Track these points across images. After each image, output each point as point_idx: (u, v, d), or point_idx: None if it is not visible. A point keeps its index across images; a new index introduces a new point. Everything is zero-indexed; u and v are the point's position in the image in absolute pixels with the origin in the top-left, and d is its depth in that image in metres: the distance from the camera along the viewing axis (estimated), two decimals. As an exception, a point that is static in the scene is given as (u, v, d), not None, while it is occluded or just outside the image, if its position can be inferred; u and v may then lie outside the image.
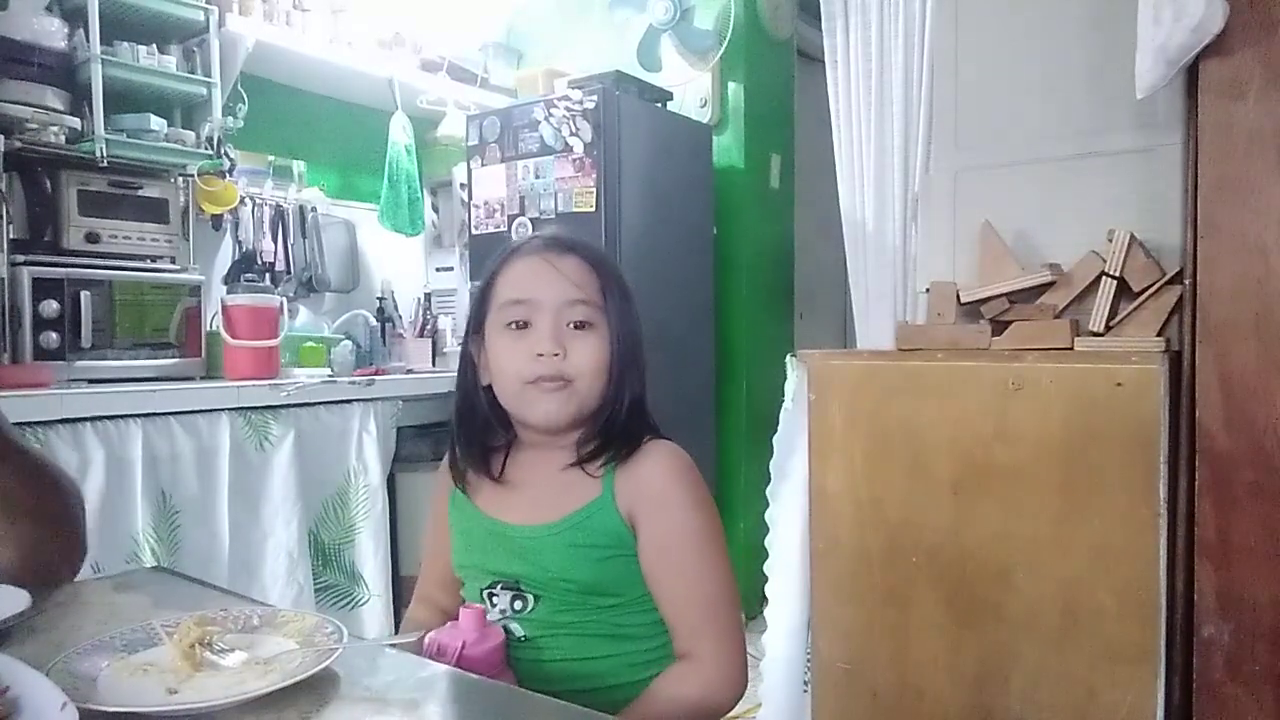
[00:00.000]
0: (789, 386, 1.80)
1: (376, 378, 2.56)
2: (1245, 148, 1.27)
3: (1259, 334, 1.25)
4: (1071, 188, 1.65)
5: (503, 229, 2.68)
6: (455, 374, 1.01)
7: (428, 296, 3.30)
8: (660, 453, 0.93)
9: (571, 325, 0.91)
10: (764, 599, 1.84)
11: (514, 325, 0.91)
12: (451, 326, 3.16)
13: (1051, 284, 1.59)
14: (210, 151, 2.47)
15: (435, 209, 3.38)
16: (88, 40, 2.21)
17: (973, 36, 1.78)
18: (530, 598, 0.91)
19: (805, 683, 1.77)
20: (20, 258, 2.11)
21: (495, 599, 0.93)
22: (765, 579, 1.85)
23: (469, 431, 0.98)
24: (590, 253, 0.95)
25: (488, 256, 3.06)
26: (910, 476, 1.56)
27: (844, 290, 2.26)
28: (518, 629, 0.91)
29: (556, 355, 0.89)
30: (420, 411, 2.71)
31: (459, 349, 1.01)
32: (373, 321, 2.99)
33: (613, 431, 0.93)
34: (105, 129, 2.21)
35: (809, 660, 1.74)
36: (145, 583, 1.03)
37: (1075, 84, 1.66)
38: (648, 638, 0.93)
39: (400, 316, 3.12)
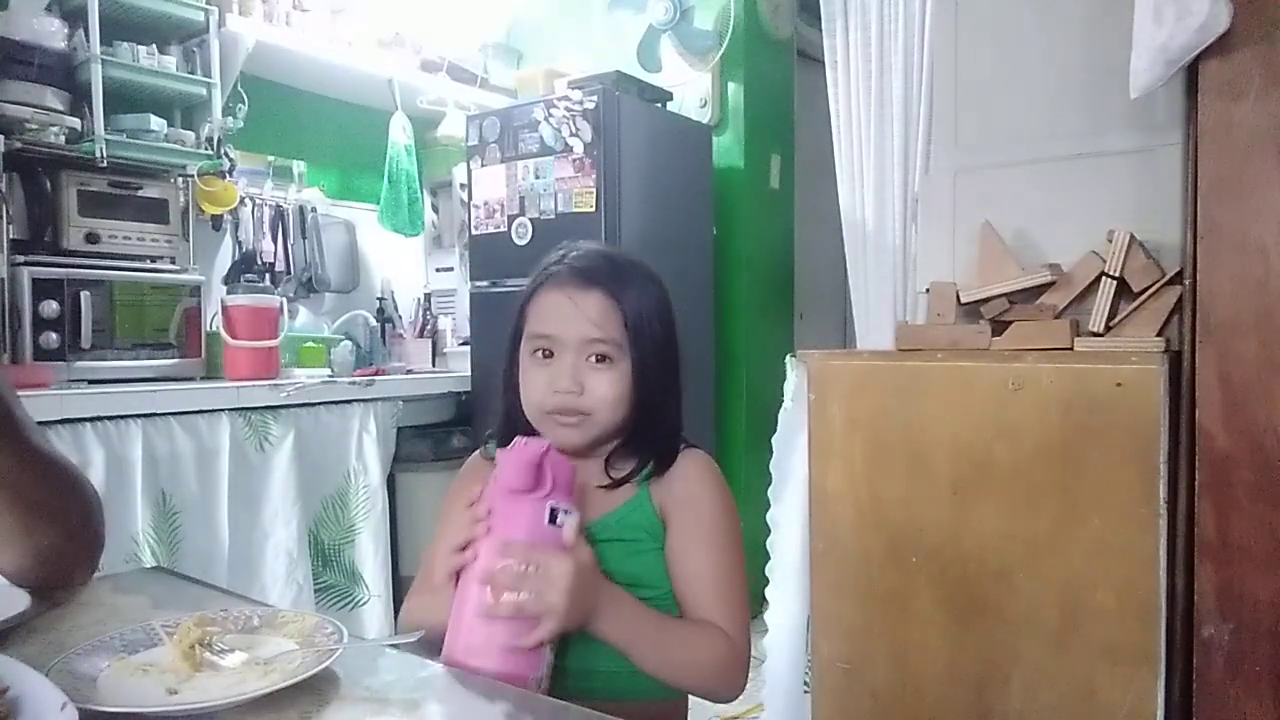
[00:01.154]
0: (788, 386, 1.80)
1: (376, 378, 2.56)
2: (1245, 148, 1.27)
3: (1259, 334, 1.25)
4: (1071, 188, 1.65)
5: (503, 229, 2.68)
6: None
7: (428, 297, 3.30)
8: (693, 460, 1.00)
9: (592, 359, 0.95)
10: (764, 601, 1.84)
11: (539, 354, 0.97)
12: (451, 327, 3.16)
13: (1051, 284, 1.59)
14: (210, 152, 2.47)
15: (435, 209, 3.39)
16: (88, 40, 2.21)
17: (973, 37, 1.78)
18: None
19: (806, 684, 1.77)
20: (20, 258, 2.11)
21: None
22: (766, 581, 1.85)
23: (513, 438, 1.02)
24: (615, 285, 0.97)
25: (488, 257, 3.02)
26: (910, 477, 1.56)
27: (844, 290, 2.26)
28: None
29: (573, 392, 0.94)
30: (420, 411, 2.71)
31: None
32: (373, 322, 2.99)
33: (644, 456, 0.97)
34: (105, 129, 2.21)
35: (809, 660, 1.74)
36: (145, 583, 1.03)
37: (1075, 84, 1.66)
38: None
39: (400, 317, 3.13)
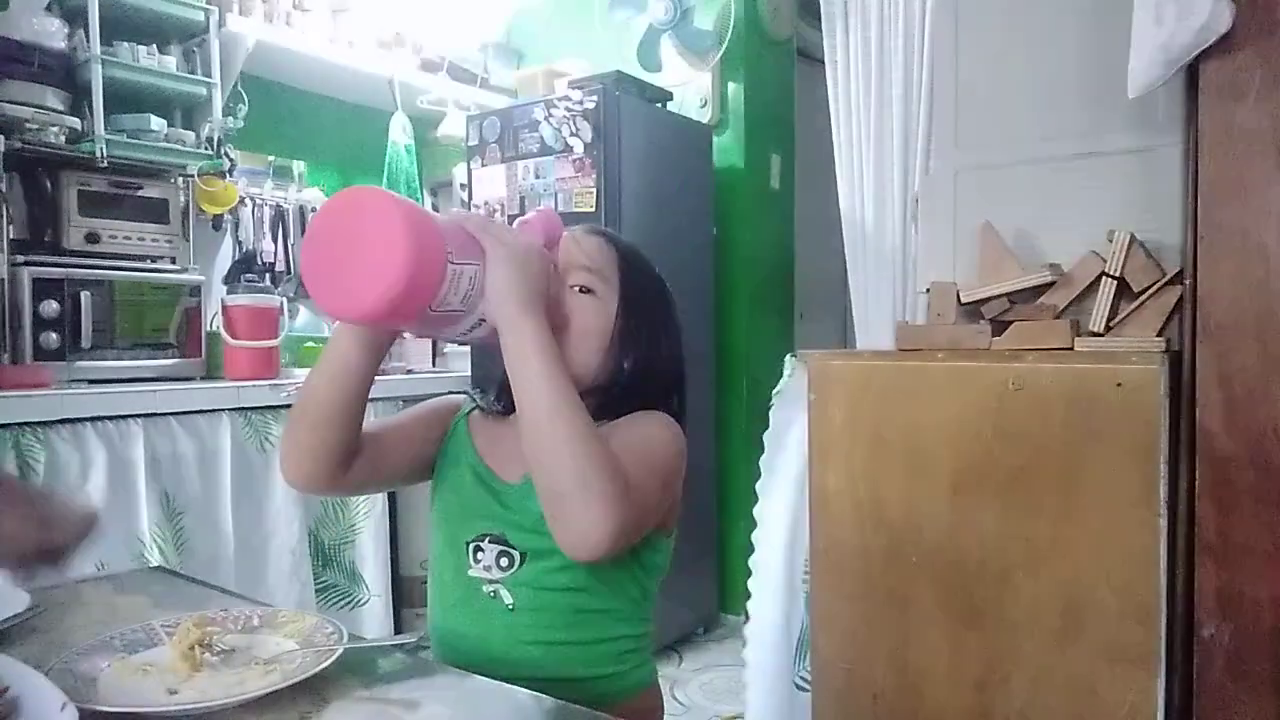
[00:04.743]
0: (780, 383, 1.80)
1: (376, 378, 2.56)
2: (1245, 148, 1.26)
3: (1259, 334, 1.25)
4: (1071, 188, 1.65)
5: (503, 229, 2.68)
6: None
7: (428, 296, 3.30)
8: (646, 410, 0.96)
9: (577, 289, 0.96)
10: (748, 594, 1.84)
11: None
12: (451, 326, 3.15)
13: (1051, 284, 1.58)
14: (210, 152, 2.47)
15: (435, 209, 3.39)
16: (88, 40, 2.21)
17: (973, 37, 1.78)
18: (516, 555, 0.92)
19: (797, 681, 1.77)
20: (20, 258, 2.11)
21: (481, 554, 0.93)
22: (750, 573, 1.84)
23: (500, 388, 1.01)
24: (616, 239, 1.01)
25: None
26: (910, 476, 1.55)
27: (844, 290, 2.26)
28: (507, 597, 0.92)
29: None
30: (420, 412, 2.71)
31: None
32: (373, 321, 2.98)
33: (609, 403, 0.95)
34: (105, 129, 2.21)
35: (810, 660, 1.74)
36: (145, 583, 1.03)
37: (1075, 84, 1.66)
38: (635, 620, 0.96)
39: (400, 316, 3.12)
